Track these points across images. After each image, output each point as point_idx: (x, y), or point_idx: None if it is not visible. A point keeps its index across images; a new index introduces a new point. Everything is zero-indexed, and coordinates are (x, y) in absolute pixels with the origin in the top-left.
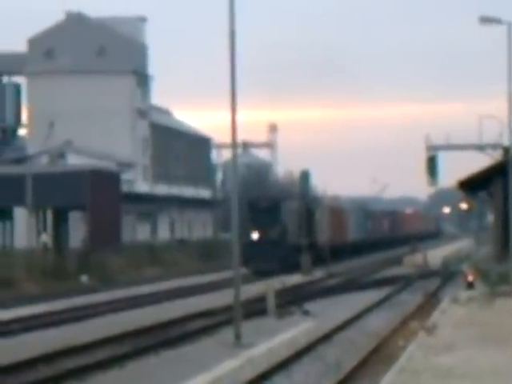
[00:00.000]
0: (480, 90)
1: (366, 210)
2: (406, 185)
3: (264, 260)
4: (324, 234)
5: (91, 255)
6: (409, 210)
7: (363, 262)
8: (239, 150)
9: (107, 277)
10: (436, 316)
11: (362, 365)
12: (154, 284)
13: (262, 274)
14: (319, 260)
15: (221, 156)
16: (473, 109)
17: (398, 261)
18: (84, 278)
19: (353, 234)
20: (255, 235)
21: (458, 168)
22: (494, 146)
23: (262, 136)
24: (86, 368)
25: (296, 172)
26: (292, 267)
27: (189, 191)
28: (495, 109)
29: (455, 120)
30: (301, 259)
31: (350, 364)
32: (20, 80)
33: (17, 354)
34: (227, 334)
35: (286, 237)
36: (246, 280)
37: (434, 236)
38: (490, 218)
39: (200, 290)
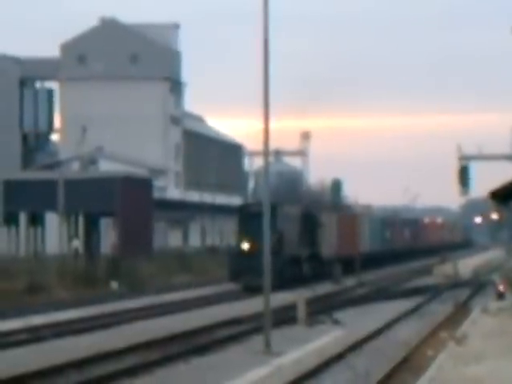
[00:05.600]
0: None
1: (383, 219)
2: (439, 194)
3: (256, 274)
4: (330, 244)
5: (121, 261)
6: (433, 219)
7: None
8: (271, 158)
9: (137, 283)
10: (466, 326)
11: (392, 374)
12: (184, 291)
13: (253, 290)
14: (325, 272)
15: (253, 164)
16: (505, 119)
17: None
18: (114, 285)
19: (366, 244)
20: (246, 245)
21: (490, 178)
22: None
23: (294, 144)
24: (116, 375)
25: (328, 181)
26: (290, 282)
27: (220, 199)
28: None
29: (487, 130)
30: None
31: (379, 373)
32: (53, 85)
33: (48, 359)
34: (257, 342)
35: (283, 247)
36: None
37: (462, 246)
38: None
39: (230, 298)
